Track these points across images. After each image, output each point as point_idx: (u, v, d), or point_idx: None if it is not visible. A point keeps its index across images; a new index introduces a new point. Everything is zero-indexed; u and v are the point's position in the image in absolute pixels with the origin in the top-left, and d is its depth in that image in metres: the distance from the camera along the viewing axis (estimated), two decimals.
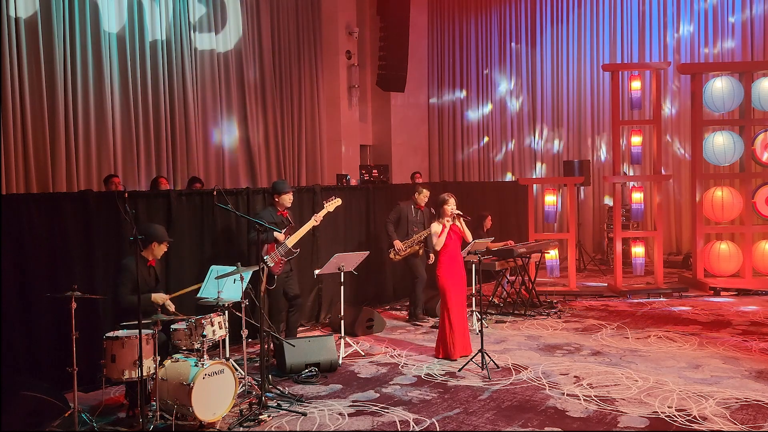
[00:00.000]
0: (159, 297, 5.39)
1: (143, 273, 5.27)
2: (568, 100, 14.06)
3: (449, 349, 6.61)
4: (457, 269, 6.69)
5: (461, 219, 6.72)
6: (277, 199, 6.91)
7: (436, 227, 6.76)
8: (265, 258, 6.59)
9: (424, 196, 8.36)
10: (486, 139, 14.61)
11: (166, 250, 5.56)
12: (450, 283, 6.63)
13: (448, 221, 6.67)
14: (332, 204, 7.07)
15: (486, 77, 14.67)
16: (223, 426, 4.98)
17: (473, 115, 14.75)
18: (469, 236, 6.82)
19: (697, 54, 12.83)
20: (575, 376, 5.99)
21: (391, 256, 8.27)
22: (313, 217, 6.99)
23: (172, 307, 5.49)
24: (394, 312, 9.02)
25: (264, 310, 6.45)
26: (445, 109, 14.94)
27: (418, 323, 8.26)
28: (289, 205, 6.97)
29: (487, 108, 14.69)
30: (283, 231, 6.75)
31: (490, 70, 14.61)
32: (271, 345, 6.47)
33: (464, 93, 14.75)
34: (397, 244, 8.18)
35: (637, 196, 10.56)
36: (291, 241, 6.81)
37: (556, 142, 14.17)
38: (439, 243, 6.66)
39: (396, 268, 8.52)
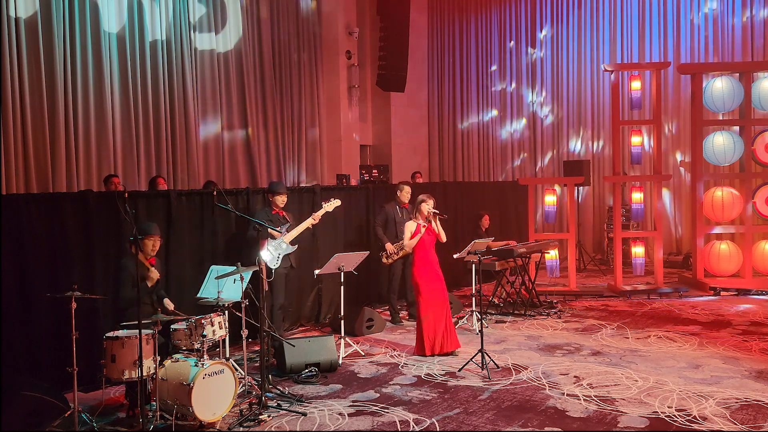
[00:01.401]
0: (170, 304, 5.50)
1: (143, 272, 5.27)
2: (568, 100, 14.06)
3: (430, 345, 6.72)
4: (431, 268, 6.81)
5: (437, 219, 6.82)
6: (271, 199, 7.06)
7: (411, 226, 6.87)
8: (261, 253, 6.67)
9: (405, 193, 8.37)
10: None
11: (157, 243, 5.53)
12: (424, 281, 6.76)
13: (424, 224, 6.82)
14: (331, 204, 7.14)
15: (488, 78, 14.66)
16: (223, 426, 4.98)
17: (473, 119, 14.76)
18: (443, 237, 6.92)
19: (697, 54, 12.83)
20: (575, 376, 5.99)
21: (384, 260, 8.25)
22: (311, 216, 7.06)
23: (171, 306, 5.50)
24: None
25: (264, 309, 6.48)
26: (446, 110, 14.94)
27: (399, 326, 8.27)
28: (281, 205, 7.10)
29: (491, 113, 14.71)
30: (280, 229, 6.83)
31: (492, 72, 14.62)
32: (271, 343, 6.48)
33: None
34: (389, 247, 8.16)
35: (637, 196, 10.56)
36: (288, 237, 6.89)
37: (565, 142, 14.15)
38: (410, 244, 6.84)
39: (386, 271, 8.51)
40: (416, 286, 6.82)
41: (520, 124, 14.50)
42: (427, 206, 6.82)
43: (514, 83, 14.48)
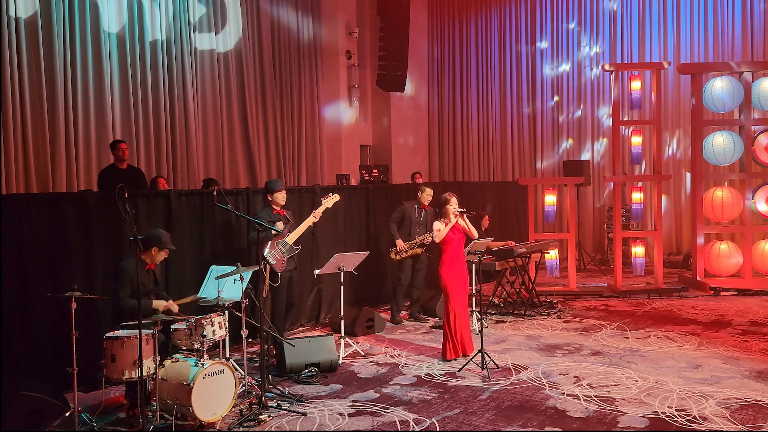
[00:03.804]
0: (159, 304, 5.37)
1: (142, 275, 5.26)
2: (568, 100, 14.06)
3: (457, 348, 6.57)
4: (459, 268, 6.65)
5: (464, 216, 6.70)
6: (270, 198, 6.99)
7: (438, 225, 6.67)
8: (266, 255, 6.64)
9: (427, 195, 8.34)
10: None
11: (165, 256, 5.54)
12: (453, 282, 6.58)
13: (450, 219, 6.65)
14: (330, 200, 7.12)
15: (487, 79, 14.66)
16: (223, 426, 4.98)
17: (474, 114, 14.75)
18: (474, 233, 6.80)
19: (697, 54, 12.84)
20: (575, 376, 5.99)
21: (393, 255, 8.25)
22: (312, 214, 7.05)
23: (176, 309, 5.48)
24: None
25: (265, 310, 6.48)
26: (446, 110, 14.93)
27: (399, 326, 8.26)
28: (282, 203, 7.02)
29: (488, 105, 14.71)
30: (283, 228, 6.81)
31: (490, 72, 14.62)
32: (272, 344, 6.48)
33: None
34: (400, 243, 8.16)
35: (637, 196, 10.56)
36: (291, 237, 6.88)
37: (561, 143, 14.16)
38: (439, 236, 6.61)
39: (396, 267, 8.52)
40: (445, 287, 6.60)
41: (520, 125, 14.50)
42: (453, 207, 6.63)
43: (514, 82, 14.48)
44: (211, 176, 10.21)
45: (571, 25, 13.98)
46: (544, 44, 14.18)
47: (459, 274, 6.64)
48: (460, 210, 6.66)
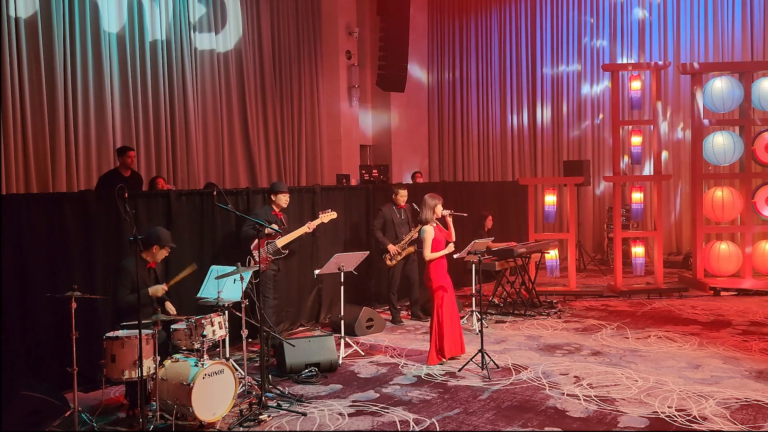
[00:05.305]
0: (155, 289, 5.37)
1: (143, 275, 5.26)
2: (568, 101, 14.06)
3: (441, 352, 6.49)
4: (445, 270, 6.61)
5: (450, 217, 6.65)
6: (273, 198, 7.02)
7: (430, 231, 6.49)
8: (253, 253, 6.67)
9: (401, 197, 8.32)
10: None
11: (167, 254, 5.55)
12: (440, 284, 6.52)
13: (441, 221, 6.64)
14: (327, 216, 7.17)
15: (487, 79, 14.66)
16: (223, 426, 4.98)
17: (473, 117, 14.75)
18: (452, 235, 6.69)
19: (697, 54, 12.84)
20: (575, 376, 5.99)
21: (388, 262, 8.21)
22: (306, 224, 7.06)
23: (173, 311, 5.48)
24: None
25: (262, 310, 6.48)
26: (446, 110, 14.93)
27: (399, 326, 8.25)
28: (284, 205, 7.04)
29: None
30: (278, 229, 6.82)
31: (487, 75, 14.62)
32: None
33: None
34: (392, 248, 8.14)
35: (637, 196, 10.56)
36: (281, 241, 6.87)
37: (561, 143, 14.16)
38: (432, 257, 6.44)
39: (395, 268, 8.52)
40: (434, 290, 6.50)
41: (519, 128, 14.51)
42: (440, 209, 6.55)
43: (514, 82, 14.48)
44: (211, 177, 10.23)
45: (572, 26, 13.97)
46: (544, 44, 14.18)
47: (446, 276, 6.58)
48: (446, 212, 6.62)
